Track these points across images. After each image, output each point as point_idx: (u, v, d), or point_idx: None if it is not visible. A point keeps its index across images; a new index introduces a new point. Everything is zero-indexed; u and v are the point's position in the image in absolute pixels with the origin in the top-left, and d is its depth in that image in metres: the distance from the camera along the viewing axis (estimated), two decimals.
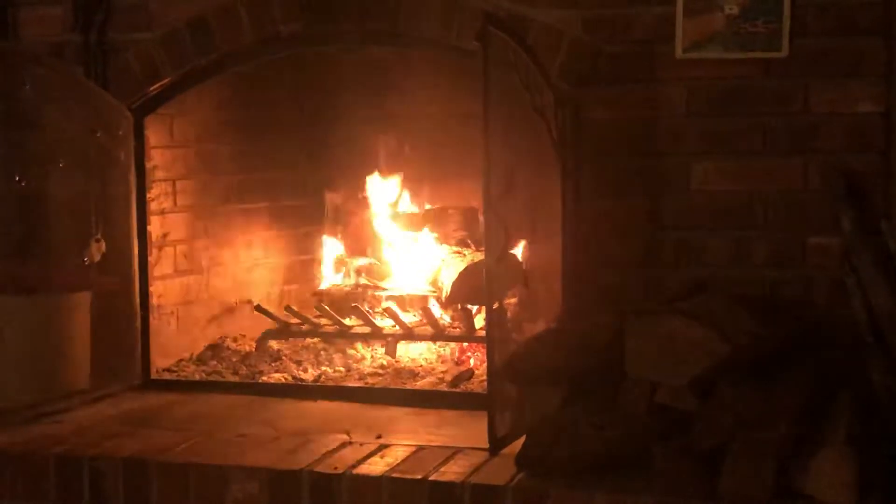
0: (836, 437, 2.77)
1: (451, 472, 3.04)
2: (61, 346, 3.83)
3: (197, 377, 4.11)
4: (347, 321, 4.33)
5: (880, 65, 3.43)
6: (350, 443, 3.31)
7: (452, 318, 4.27)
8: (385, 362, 4.17)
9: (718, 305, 3.12)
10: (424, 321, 4.22)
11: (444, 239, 4.51)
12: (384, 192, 4.66)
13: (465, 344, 4.18)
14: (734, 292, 3.41)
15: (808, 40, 3.47)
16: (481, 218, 3.78)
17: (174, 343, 4.25)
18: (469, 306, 4.14)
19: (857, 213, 3.39)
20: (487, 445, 3.14)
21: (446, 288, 4.26)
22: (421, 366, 4.14)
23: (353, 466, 3.10)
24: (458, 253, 4.39)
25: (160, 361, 4.17)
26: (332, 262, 4.71)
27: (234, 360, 4.25)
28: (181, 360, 4.26)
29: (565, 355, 3.15)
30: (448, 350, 4.27)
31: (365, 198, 4.68)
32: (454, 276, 4.22)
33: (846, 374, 3.07)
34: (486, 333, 3.22)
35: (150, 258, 4.12)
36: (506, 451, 3.13)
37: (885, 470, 2.80)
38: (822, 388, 2.95)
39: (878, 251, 3.32)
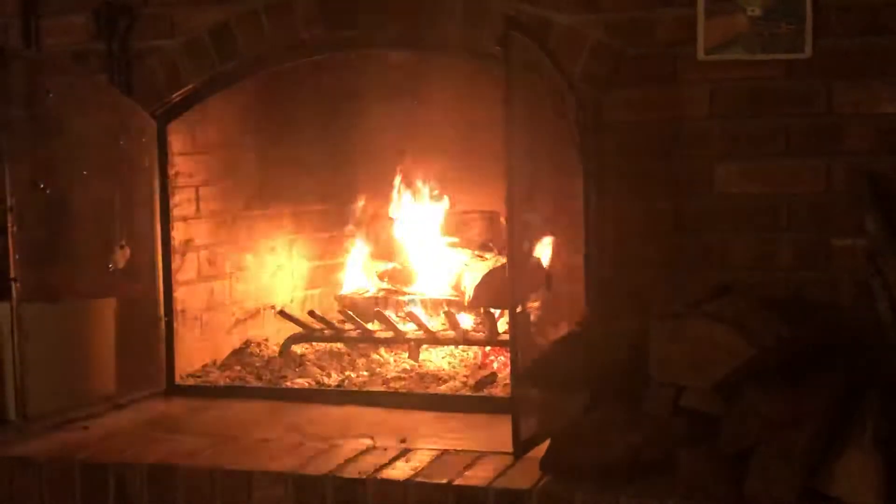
0: (862, 438, 2.76)
1: (476, 476, 3.04)
2: (86, 352, 3.85)
3: (221, 383, 4.13)
4: (371, 326, 4.33)
5: None
6: (374, 447, 3.32)
7: (476, 322, 4.27)
8: (408, 367, 4.17)
9: (743, 308, 3.11)
10: (447, 325, 4.22)
11: (466, 243, 4.51)
12: (407, 196, 4.66)
13: (489, 348, 4.18)
14: (759, 294, 3.39)
15: (830, 41, 3.45)
16: (504, 221, 3.78)
17: (198, 349, 4.27)
18: (492, 310, 4.14)
19: (882, 215, 3.37)
20: (511, 450, 3.13)
21: (469, 292, 4.26)
22: (444, 370, 4.14)
23: (378, 471, 3.10)
24: (481, 257, 4.38)
25: (184, 367, 4.18)
26: (355, 267, 4.72)
27: (258, 365, 4.26)
28: (205, 365, 4.27)
29: (589, 359, 3.14)
30: (471, 354, 4.27)
31: (387, 202, 4.68)
32: (477, 280, 4.22)
33: (872, 376, 3.05)
34: (510, 337, 3.22)
35: (173, 264, 4.14)
36: (530, 455, 3.12)
37: None
38: (849, 390, 2.93)
39: None
